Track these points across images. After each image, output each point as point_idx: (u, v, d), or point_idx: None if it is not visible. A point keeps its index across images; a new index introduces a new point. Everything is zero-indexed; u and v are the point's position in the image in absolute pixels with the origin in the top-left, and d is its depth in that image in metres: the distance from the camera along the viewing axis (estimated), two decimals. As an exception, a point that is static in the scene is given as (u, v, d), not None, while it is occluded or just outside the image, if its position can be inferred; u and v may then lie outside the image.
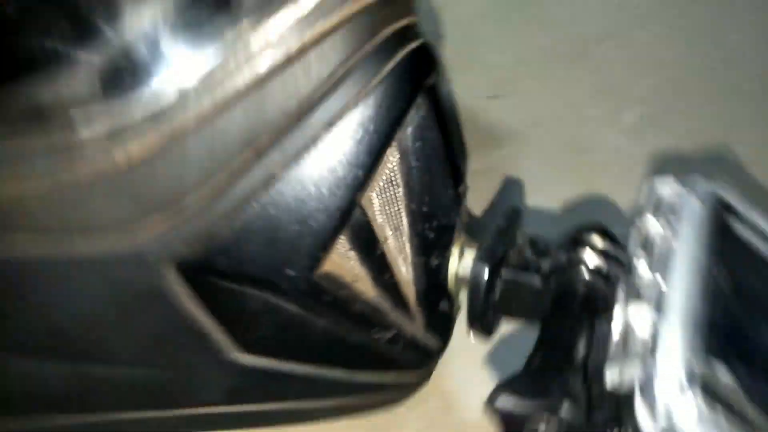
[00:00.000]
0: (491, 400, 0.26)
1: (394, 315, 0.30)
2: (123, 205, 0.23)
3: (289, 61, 0.24)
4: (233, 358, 0.28)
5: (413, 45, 0.28)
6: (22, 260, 0.24)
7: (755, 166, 0.58)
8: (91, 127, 0.21)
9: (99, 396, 0.30)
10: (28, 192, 0.23)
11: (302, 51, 0.24)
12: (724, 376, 0.28)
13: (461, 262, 0.32)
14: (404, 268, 0.30)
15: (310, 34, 0.24)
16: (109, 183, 0.23)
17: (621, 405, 0.28)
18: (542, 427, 0.26)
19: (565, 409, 0.26)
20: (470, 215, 0.35)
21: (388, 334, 0.30)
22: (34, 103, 0.21)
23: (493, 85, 0.69)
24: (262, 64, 0.23)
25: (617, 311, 0.31)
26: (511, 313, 0.33)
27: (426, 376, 0.34)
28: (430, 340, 0.32)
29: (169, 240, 0.24)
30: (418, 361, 0.33)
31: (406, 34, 0.28)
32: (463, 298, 0.33)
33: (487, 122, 0.68)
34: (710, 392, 0.27)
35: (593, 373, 0.29)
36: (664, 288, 0.30)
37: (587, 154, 0.65)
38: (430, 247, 0.31)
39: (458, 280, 0.32)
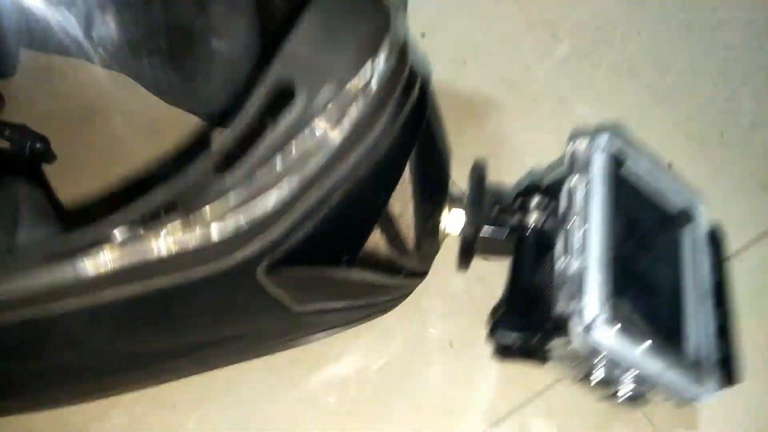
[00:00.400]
0: (491, 333, 0.43)
1: (400, 258, 0.46)
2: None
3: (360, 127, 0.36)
4: (295, 312, 0.42)
5: (417, 88, 0.39)
6: (166, 288, 0.36)
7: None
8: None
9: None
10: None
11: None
12: (625, 303, 0.41)
13: (449, 219, 0.48)
14: (409, 232, 0.45)
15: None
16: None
17: (564, 322, 0.41)
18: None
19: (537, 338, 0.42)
20: (453, 192, 0.49)
21: (396, 267, 0.47)
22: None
23: (423, 23, 0.66)
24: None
25: (556, 255, 0.43)
26: (487, 253, 0.49)
27: (415, 286, 0.52)
28: (419, 267, 0.50)
29: (260, 255, 0.36)
30: (411, 277, 0.50)
31: (411, 82, 0.38)
32: (444, 242, 0.50)
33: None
34: (616, 315, 0.40)
35: (547, 300, 0.43)
36: (583, 235, 0.42)
37: (520, 87, 0.64)
38: (427, 217, 0.45)
39: (443, 233, 0.48)
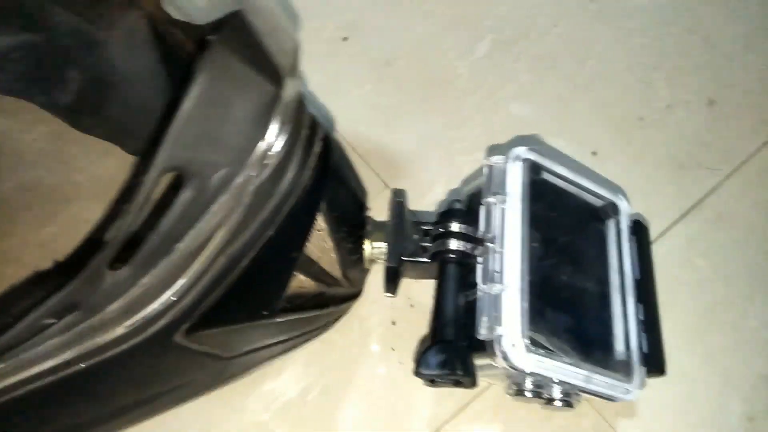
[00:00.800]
0: (417, 372, 0.42)
1: (331, 290, 0.48)
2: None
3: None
4: (226, 357, 0.43)
5: (318, 141, 0.39)
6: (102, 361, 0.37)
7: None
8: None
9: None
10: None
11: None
12: (544, 325, 0.42)
13: (372, 251, 0.49)
14: (334, 268, 0.47)
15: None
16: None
17: (487, 346, 0.42)
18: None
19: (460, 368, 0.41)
20: (374, 222, 0.50)
21: (330, 295, 0.48)
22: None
23: (344, 27, 0.65)
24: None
25: (478, 280, 0.44)
26: (415, 277, 0.51)
27: (350, 306, 0.52)
28: (353, 290, 0.51)
29: (174, 324, 0.37)
30: (346, 301, 0.51)
31: (311, 138, 0.39)
32: (372, 267, 0.52)
33: (341, 65, 0.65)
34: (534, 341, 0.41)
35: (470, 327, 0.43)
36: (500, 260, 0.43)
37: (445, 85, 0.64)
38: (349, 252, 0.47)
39: (369, 260, 0.49)
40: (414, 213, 0.50)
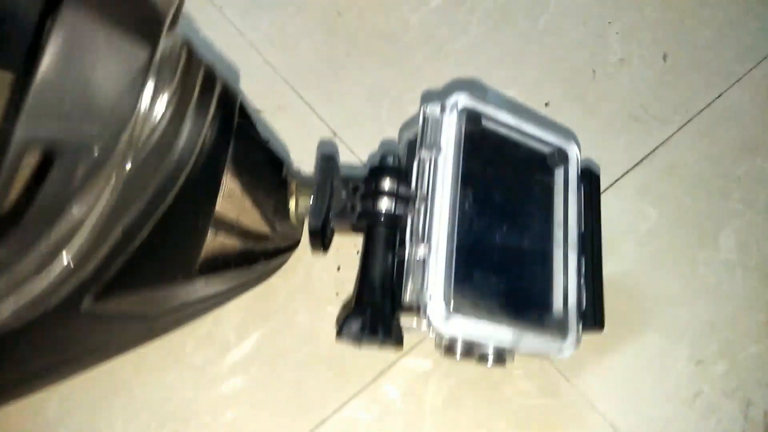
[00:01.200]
0: (339, 337, 0.40)
1: (260, 245, 0.46)
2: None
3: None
4: (152, 316, 0.43)
5: (218, 94, 0.37)
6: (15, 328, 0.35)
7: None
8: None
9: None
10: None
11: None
12: (470, 288, 0.41)
13: (297, 208, 0.47)
14: (259, 224, 0.45)
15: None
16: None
17: (413, 309, 0.41)
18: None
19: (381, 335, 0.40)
20: (301, 179, 0.48)
21: (260, 250, 0.47)
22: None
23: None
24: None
25: (406, 241, 0.42)
26: (344, 233, 0.47)
27: (289, 256, 0.51)
28: (287, 243, 0.50)
29: (76, 294, 0.35)
30: (282, 252, 0.50)
31: (210, 87, 0.36)
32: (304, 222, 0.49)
33: (290, 15, 0.63)
34: (458, 305, 0.40)
35: (396, 290, 0.42)
36: (428, 220, 0.41)
37: (396, 37, 0.63)
38: (273, 210, 0.45)
39: (297, 217, 0.47)
40: (346, 171, 0.48)
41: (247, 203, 0.42)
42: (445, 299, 0.39)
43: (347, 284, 0.51)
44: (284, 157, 0.54)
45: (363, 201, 0.43)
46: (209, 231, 0.40)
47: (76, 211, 0.31)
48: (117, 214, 0.33)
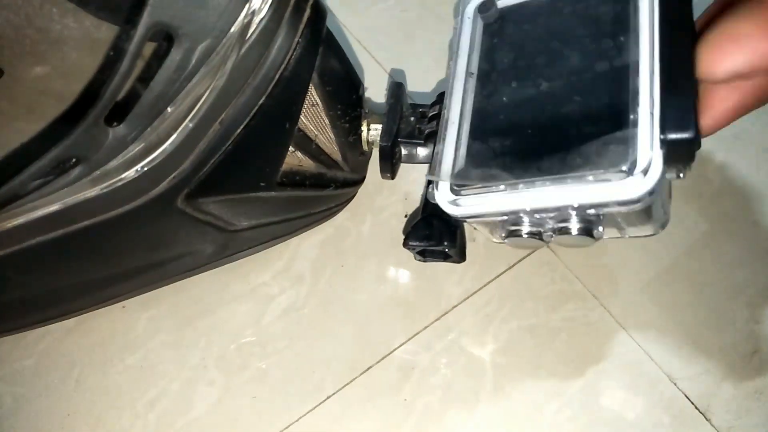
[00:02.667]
0: (405, 244, 0.45)
1: (328, 173, 0.49)
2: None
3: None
4: (229, 230, 0.46)
5: (310, 5, 0.39)
6: (88, 227, 0.39)
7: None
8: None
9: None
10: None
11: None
12: (492, 163, 0.34)
13: (369, 133, 0.49)
14: (332, 147, 0.48)
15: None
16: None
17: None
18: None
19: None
20: (372, 104, 0.52)
21: (330, 176, 0.50)
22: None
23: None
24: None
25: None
26: (412, 162, 0.50)
27: (354, 192, 0.55)
28: (355, 176, 0.52)
29: (173, 189, 0.39)
30: (347, 187, 0.52)
31: (300, 4, 0.38)
32: (373, 150, 0.51)
33: None
34: (463, 183, 0.35)
35: None
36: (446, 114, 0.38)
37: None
38: (346, 132, 0.48)
39: (369, 143, 0.49)
40: (413, 99, 0.51)
41: (324, 120, 0.45)
42: (449, 178, 0.35)
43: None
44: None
45: (430, 124, 0.46)
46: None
47: (188, 95, 0.35)
48: (219, 106, 0.36)
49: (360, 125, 0.48)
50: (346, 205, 0.53)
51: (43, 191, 0.36)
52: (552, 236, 0.34)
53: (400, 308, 0.50)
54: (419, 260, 0.49)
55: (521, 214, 0.33)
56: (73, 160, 0.36)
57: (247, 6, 0.35)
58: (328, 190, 0.49)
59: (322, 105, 0.45)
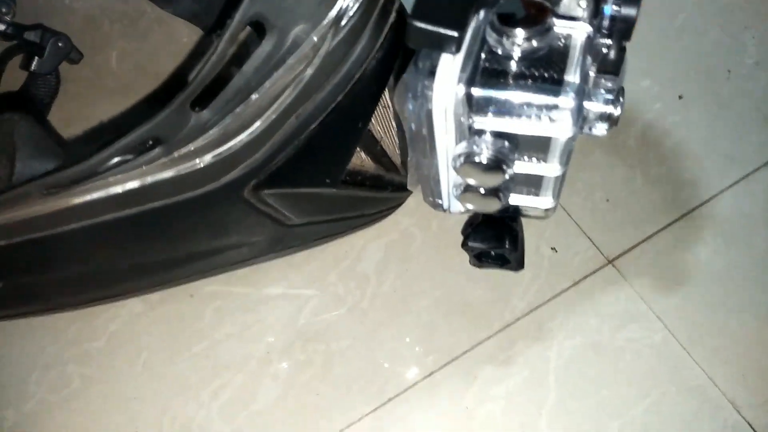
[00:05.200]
0: (464, 245, 0.44)
1: (386, 175, 0.49)
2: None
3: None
4: (287, 224, 0.46)
5: (393, 13, 0.39)
6: (160, 209, 0.39)
7: None
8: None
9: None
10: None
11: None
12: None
13: None
14: (395, 150, 0.48)
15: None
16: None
17: None
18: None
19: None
20: None
21: (388, 179, 0.50)
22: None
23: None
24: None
25: None
26: None
27: (406, 196, 0.54)
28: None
29: (244, 178, 0.40)
30: (404, 190, 0.52)
31: (387, 8, 0.39)
32: None
33: None
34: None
35: None
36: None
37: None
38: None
39: None
40: None
41: (393, 121, 0.46)
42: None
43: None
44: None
45: None
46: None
47: (273, 86, 0.35)
48: (299, 100, 0.37)
49: None
50: (394, 211, 0.54)
51: (122, 168, 0.36)
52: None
53: (464, 316, 0.51)
54: (474, 264, 0.47)
55: None
56: (151, 141, 0.36)
57: (338, 4, 0.36)
58: (385, 192, 0.49)
59: (393, 108, 0.45)
